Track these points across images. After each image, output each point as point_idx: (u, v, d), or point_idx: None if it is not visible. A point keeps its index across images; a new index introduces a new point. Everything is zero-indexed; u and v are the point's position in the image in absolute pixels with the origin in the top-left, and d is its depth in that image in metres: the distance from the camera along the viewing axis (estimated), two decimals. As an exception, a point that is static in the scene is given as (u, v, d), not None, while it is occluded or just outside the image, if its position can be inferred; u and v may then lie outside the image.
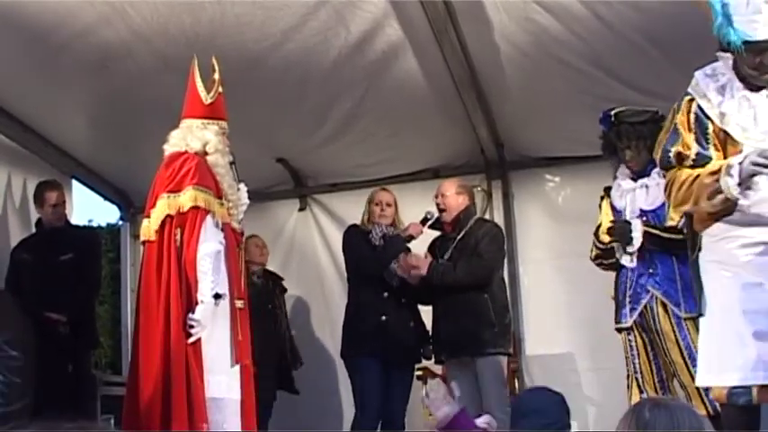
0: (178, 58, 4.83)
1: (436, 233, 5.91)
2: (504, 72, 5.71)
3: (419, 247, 5.90)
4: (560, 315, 6.59)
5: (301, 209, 7.42)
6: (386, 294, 5.73)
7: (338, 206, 7.16)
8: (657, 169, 4.97)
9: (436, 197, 5.82)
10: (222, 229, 4.51)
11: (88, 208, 21.88)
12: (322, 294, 7.12)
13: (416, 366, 5.99)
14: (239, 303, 4.51)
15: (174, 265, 4.33)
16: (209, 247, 4.33)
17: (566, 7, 5.03)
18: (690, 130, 3.72)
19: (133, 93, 5.67)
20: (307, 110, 6.09)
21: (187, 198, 4.37)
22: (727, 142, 3.68)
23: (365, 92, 5.93)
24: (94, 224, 10.17)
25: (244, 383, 4.53)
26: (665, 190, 3.84)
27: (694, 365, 4.57)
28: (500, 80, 5.82)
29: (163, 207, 4.40)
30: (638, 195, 5.01)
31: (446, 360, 5.68)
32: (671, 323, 4.68)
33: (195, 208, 4.35)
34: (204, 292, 4.27)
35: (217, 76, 4.61)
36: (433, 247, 5.82)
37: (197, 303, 4.27)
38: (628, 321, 4.90)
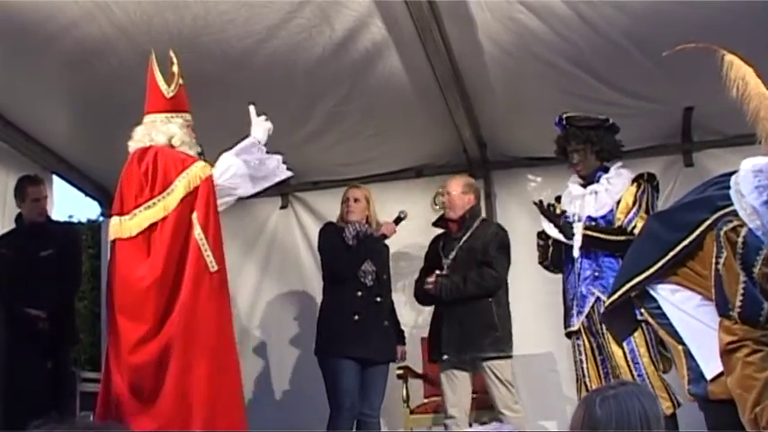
0: (161, 55, 4.80)
1: (438, 231, 5.92)
2: (487, 72, 5.71)
3: (420, 240, 5.91)
4: (540, 315, 6.58)
5: (283, 206, 7.40)
6: (360, 293, 5.72)
7: (320, 204, 7.14)
8: (606, 175, 5.09)
9: (442, 195, 5.83)
10: None
11: (69, 204, 21.78)
12: (303, 292, 7.11)
13: (397, 366, 5.99)
14: None
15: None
16: None
17: (549, 7, 5.04)
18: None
19: (115, 89, 5.63)
20: (290, 108, 6.07)
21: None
22: None
23: (349, 90, 5.93)
24: (75, 220, 10.07)
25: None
26: (728, 343, 3.13)
27: (637, 369, 4.64)
28: (483, 80, 5.83)
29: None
30: (586, 202, 5.09)
31: (446, 360, 5.58)
32: None
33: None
34: None
35: (176, 69, 4.60)
36: (436, 246, 5.82)
37: None
38: (575, 325, 4.98)
